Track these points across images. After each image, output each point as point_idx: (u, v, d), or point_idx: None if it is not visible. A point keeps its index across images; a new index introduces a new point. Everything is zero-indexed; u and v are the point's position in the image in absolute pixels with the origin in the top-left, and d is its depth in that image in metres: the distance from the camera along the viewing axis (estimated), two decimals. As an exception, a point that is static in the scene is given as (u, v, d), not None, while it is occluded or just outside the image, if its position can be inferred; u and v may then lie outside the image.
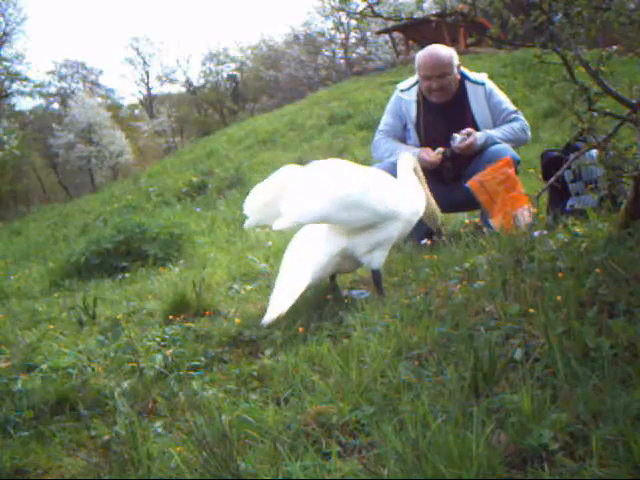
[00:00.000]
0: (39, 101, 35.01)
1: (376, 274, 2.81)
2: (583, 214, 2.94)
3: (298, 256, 2.73)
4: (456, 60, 3.78)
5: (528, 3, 2.37)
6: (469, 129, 3.65)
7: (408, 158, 3.14)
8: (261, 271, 3.83)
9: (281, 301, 2.54)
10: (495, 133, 3.70)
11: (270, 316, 2.51)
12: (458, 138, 3.60)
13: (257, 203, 2.92)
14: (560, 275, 2.23)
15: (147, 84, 37.95)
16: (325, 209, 2.65)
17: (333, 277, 3.01)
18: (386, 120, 3.98)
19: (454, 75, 3.77)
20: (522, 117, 3.83)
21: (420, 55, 3.83)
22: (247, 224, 3.02)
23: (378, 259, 2.79)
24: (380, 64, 20.63)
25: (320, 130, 12.22)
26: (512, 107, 3.84)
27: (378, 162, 3.85)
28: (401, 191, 2.94)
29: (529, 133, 3.83)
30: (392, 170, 3.16)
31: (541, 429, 1.46)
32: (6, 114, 27.18)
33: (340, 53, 29.44)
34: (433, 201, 3.17)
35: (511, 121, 3.78)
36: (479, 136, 3.64)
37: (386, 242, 2.81)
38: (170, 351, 2.54)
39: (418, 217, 3.01)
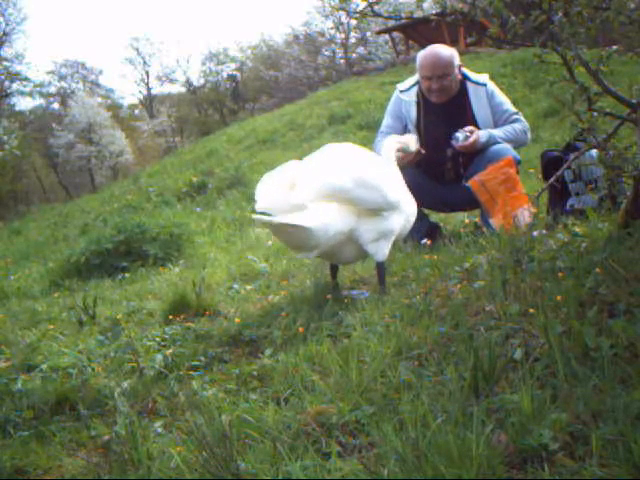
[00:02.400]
0: (39, 101, 35.13)
1: (380, 266, 2.83)
2: (583, 214, 2.94)
3: (312, 209, 2.66)
4: (457, 61, 3.78)
5: (528, 3, 2.37)
6: (471, 127, 3.64)
7: (389, 145, 3.20)
8: (261, 271, 3.83)
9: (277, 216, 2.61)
10: (497, 132, 3.70)
11: (263, 217, 2.55)
12: (461, 136, 3.59)
13: (267, 190, 2.85)
14: (560, 275, 2.23)
15: (147, 84, 38.01)
16: (345, 183, 2.69)
17: (334, 275, 3.01)
18: (386, 122, 3.97)
19: (455, 76, 3.76)
20: (523, 119, 3.83)
21: (421, 55, 3.82)
22: (257, 206, 2.91)
23: (383, 250, 2.81)
24: (380, 64, 20.60)
25: (320, 130, 12.22)
26: (513, 109, 3.84)
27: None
28: (404, 189, 3.01)
29: (529, 135, 3.84)
30: None
31: (541, 429, 1.46)
32: (6, 114, 27.18)
33: (340, 53, 29.45)
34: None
35: (512, 122, 3.78)
36: (482, 134, 3.63)
37: (389, 234, 2.84)
38: (170, 351, 2.54)
39: (414, 219, 3.05)
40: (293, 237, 2.65)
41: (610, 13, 2.24)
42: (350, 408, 1.76)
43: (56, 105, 35.43)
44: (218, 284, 3.77)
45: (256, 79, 33.10)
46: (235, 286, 3.61)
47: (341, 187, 2.69)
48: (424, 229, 3.77)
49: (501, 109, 3.79)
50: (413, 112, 3.85)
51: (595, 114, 2.36)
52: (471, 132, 3.61)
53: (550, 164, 3.43)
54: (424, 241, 3.45)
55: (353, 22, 26.68)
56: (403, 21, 12.80)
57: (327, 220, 2.67)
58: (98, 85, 37.57)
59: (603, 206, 2.85)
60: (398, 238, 3.00)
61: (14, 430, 2.10)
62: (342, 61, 29.00)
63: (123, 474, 1.70)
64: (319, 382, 1.96)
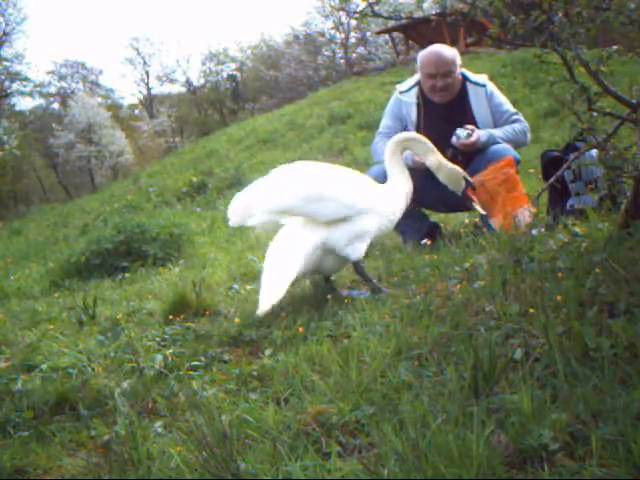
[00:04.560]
0: (39, 101, 35.09)
1: (357, 265, 2.90)
2: (583, 214, 2.94)
3: (282, 249, 2.82)
4: (459, 60, 3.79)
5: (528, 3, 2.37)
6: (471, 126, 3.64)
7: (394, 143, 3.12)
8: (261, 271, 3.82)
9: (273, 292, 2.65)
10: (497, 132, 3.70)
11: (263, 308, 2.61)
12: (462, 134, 3.58)
13: (237, 208, 2.96)
14: (560, 275, 2.23)
15: (147, 84, 37.99)
16: (289, 202, 2.80)
17: (328, 278, 3.02)
18: (385, 123, 3.97)
19: (457, 75, 3.77)
20: (523, 120, 3.83)
21: (424, 54, 3.82)
22: (230, 223, 3.06)
23: (357, 250, 2.86)
24: (380, 64, 20.62)
25: (320, 130, 12.22)
26: (513, 109, 3.85)
27: (378, 164, 3.85)
28: (378, 188, 3.03)
29: (529, 136, 3.84)
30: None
31: (541, 429, 1.46)
32: (6, 114, 27.19)
33: (340, 53, 29.47)
34: (451, 165, 3.17)
35: (512, 123, 3.78)
36: (482, 134, 3.63)
37: (364, 235, 2.88)
38: (170, 351, 2.54)
39: (397, 216, 3.06)
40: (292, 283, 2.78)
41: (610, 13, 2.23)
42: (350, 408, 1.76)
43: (56, 105, 35.42)
44: (218, 284, 3.77)
45: (256, 79, 33.10)
46: (235, 286, 3.61)
47: (290, 207, 2.81)
48: (424, 229, 3.76)
49: (501, 110, 3.79)
50: (413, 113, 3.85)
51: (595, 114, 2.36)
52: (472, 130, 3.61)
53: (550, 164, 3.42)
54: (424, 241, 3.45)
55: (353, 22, 26.73)
56: (403, 21, 12.81)
57: (301, 250, 2.76)
58: (98, 85, 37.57)
59: (603, 206, 2.85)
60: (380, 235, 3.04)
61: (14, 430, 2.10)
62: (342, 61, 29.02)
63: (123, 474, 1.70)
64: (319, 382, 1.96)
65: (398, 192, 3.08)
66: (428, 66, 3.76)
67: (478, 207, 3.20)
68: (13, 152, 21.94)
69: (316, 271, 2.97)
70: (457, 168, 3.18)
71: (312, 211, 2.82)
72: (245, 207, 2.91)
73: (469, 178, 3.19)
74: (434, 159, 3.14)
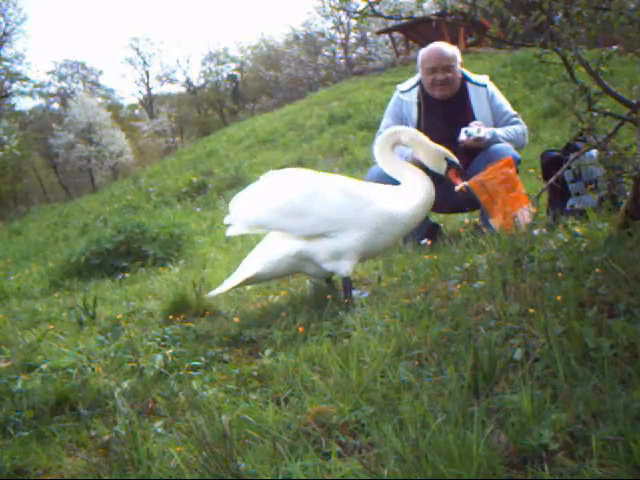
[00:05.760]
0: (39, 101, 35.07)
1: (345, 282, 2.79)
2: (583, 214, 2.94)
3: (255, 252, 2.92)
4: (459, 57, 3.83)
5: (528, 3, 2.37)
6: (477, 122, 3.65)
7: (381, 143, 2.96)
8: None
9: (227, 282, 2.83)
10: (499, 132, 3.71)
11: (214, 292, 2.91)
12: (474, 131, 3.55)
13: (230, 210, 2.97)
14: (560, 275, 2.23)
15: (147, 84, 38.00)
16: (263, 217, 2.79)
17: (329, 279, 3.01)
18: (386, 122, 3.97)
19: (457, 72, 3.80)
20: (522, 122, 3.85)
21: (424, 50, 3.88)
22: (225, 220, 3.02)
23: (345, 267, 2.77)
24: (380, 64, 20.65)
25: (320, 130, 12.23)
26: (513, 111, 3.87)
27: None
28: (370, 199, 2.80)
29: (527, 138, 3.87)
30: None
31: (541, 429, 1.46)
32: (6, 114, 27.19)
33: (340, 53, 29.49)
34: (434, 145, 3.00)
35: (512, 124, 3.79)
36: (488, 131, 3.64)
37: (349, 251, 2.75)
38: (170, 351, 2.54)
39: (394, 226, 2.82)
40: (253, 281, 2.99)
41: (610, 13, 2.23)
42: (350, 408, 1.76)
43: (56, 105, 35.40)
44: (218, 284, 3.76)
45: (256, 79, 33.11)
46: (235, 286, 3.60)
47: (262, 222, 2.81)
48: (424, 229, 3.76)
49: (501, 111, 3.81)
50: (414, 113, 3.86)
51: (595, 114, 2.36)
52: (480, 127, 3.62)
53: (550, 164, 3.43)
54: (424, 241, 3.45)
55: (353, 22, 26.74)
56: (403, 21, 12.80)
57: (269, 255, 2.82)
58: (98, 85, 37.59)
59: (603, 206, 2.85)
60: (371, 249, 2.85)
61: (14, 430, 2.10)
62: (342, 61, 29.03)
63: (123, 474, 1.70)
64: (319, 382, 1.96)
65: (412, 195, 2.88)
66: (429, 61, 3.79)
67: (460, 185, 3.06)
68: (13, 152, 21.92)
69: (301, 274, 2.96)
70: (440, 148, 3.00)
71: (287, 226, 2.75)
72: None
73: (453, 158, 3.02)
74: (413, 136, 2.97)
